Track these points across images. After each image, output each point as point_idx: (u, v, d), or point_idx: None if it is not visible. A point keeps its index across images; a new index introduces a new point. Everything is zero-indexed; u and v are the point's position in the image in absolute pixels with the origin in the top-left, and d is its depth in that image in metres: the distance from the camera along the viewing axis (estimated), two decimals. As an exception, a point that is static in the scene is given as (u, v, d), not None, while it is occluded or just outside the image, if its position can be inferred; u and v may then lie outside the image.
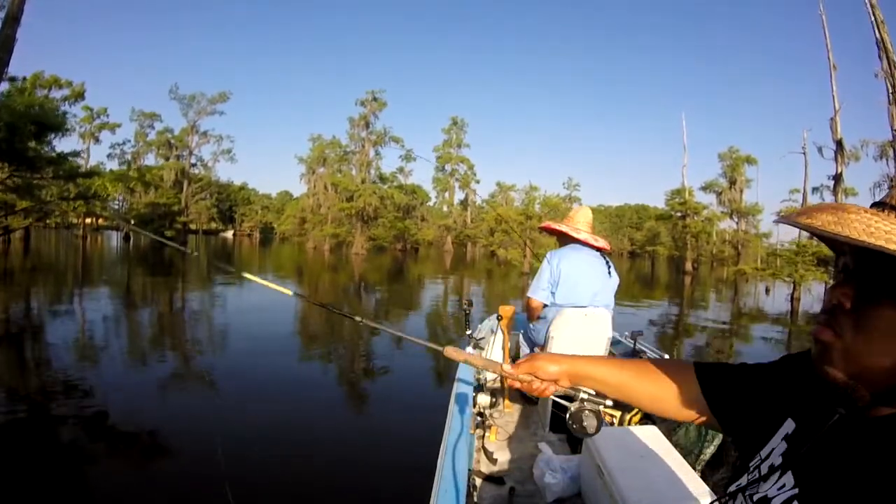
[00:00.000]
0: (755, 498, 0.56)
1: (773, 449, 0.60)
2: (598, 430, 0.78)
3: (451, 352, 0.87)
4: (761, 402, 0.65)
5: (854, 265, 0.50)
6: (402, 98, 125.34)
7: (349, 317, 1.02)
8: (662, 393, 0.74)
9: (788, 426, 0.60)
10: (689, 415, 0.73)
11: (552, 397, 2.53)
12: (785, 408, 0.62)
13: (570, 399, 0.79)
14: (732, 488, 0.62)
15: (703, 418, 0.72)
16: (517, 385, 0.80)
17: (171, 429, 3.81)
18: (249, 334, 7.70)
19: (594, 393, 0.77)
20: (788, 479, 0.53)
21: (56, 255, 23.70)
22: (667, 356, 2.89)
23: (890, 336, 0.47)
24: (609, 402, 0.76)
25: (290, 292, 1.10)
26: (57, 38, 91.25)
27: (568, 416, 0.78)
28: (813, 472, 0.51)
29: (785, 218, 0.51)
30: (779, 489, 0.53)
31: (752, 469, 0.62)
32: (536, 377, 0.77)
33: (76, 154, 17.76)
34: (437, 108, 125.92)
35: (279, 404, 4.44)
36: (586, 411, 0.77)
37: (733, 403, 0.69)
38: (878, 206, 0.48)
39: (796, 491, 0.51)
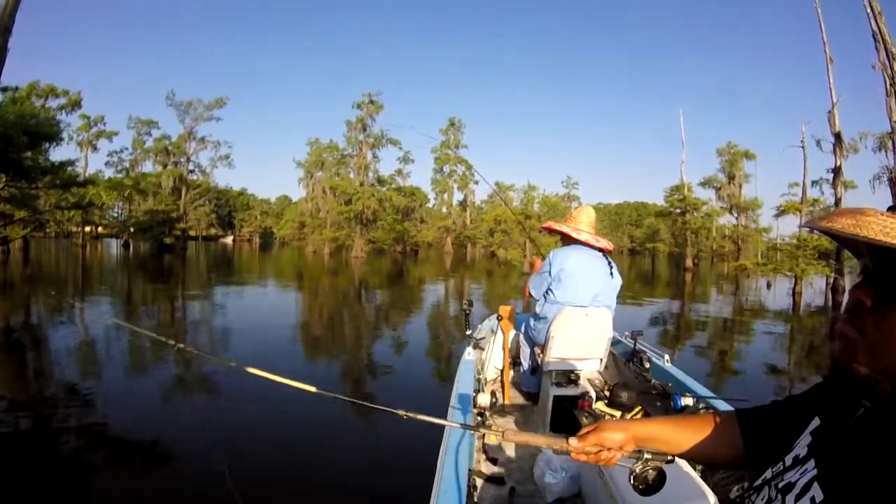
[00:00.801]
0: (779, 486, 0.59)
1: (798, 443, 0.64)
2: (662, 485, 0.80)
3: (510, 436, 0.90)
4: (791, 423, 0.69)
5: (874, 266, 0.54)
6: (400, 99, 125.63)
7: (382, 410, 1.02)
8: (712, 446, 0.79)
9: (815, 423, 0.63)
10: (735, 461, 0.78)
11: (551, 395, 2.49)
12: (812, 409, 0.66)
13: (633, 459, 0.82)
14: (758, 481, 0.65)
15: (744, 461, 0.77)
16: (583, 458, 0.80)
17: (173, 435, 3.78)
18: (249, 335, 7.69)
19: (655, 451, 0.80)
20: (811, 465, 0.57)
21: (56, 264, 23.67)
22: (666, 356, 2.90)
23: None
24: (670, 458, 0.79)
25: (313, 388, 1.06)
26: (53, 48, 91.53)
27: (632, 477, 0.80)
28: (834, 457, 0.55)
29: (809, 223, 0.55)
30: (801, 474, 0.57)
31: (776, 462, 0.65)
32: (604, 447, 0.79)
33: (70, 163, 17.69)
34: (436, 108, 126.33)
35: (278, 405, 4.42)
36: (650, 470, 0.80)
37: (766, 437, 0.73)
38: (894, 209, 0.52)
39: (815, 472, 0.55)
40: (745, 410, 0.79)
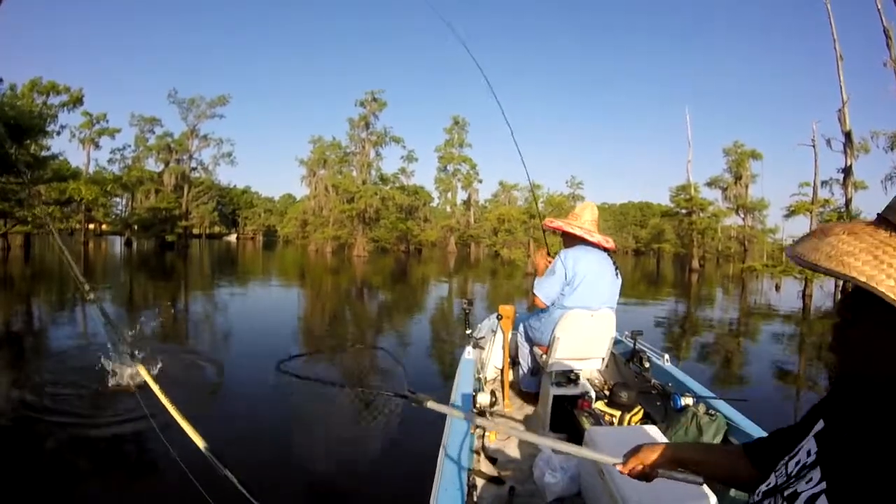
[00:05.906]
0: (786, 494, 0.59)
1: (801, 447, 0.63)
2: None
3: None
4: (794, 436, 0.70)
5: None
6: (402, 98, 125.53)
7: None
8: (730, 471, 0.87)
9: (819, 426, 0.63)
10: (746, 483, 0.83)
11: (551, 395, 2.46)
12: (817, 412, 0.67)
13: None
14: (763, 488, 0.65)
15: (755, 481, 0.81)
16: (626, 473, 0.92)
17: (169, 438, 3.76)
18: (250, 332, 7.70)
19: (686, 473, 0.89)
20: (816, 474, 0.56)
21: (59, 262, 23.74)
22: (666, 356, 2.89)
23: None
24: (700, 480, 0.87)
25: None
26: (55, 45, 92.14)
27: None
28: (840, 466, 0.54)
29: (788, 251, 0.59)
30: (806, 483, 0.56)
31: (778, 468, 0.65)
32: (645, 465, 0.89)
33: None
34: (439, 107, 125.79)
35: (278, 406, 4.41)
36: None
37: (772, 454, 0.76)
38: (881, 219, 0.53)
39: (824, 486, 0.54)
40: (750, 445, 0.86)
